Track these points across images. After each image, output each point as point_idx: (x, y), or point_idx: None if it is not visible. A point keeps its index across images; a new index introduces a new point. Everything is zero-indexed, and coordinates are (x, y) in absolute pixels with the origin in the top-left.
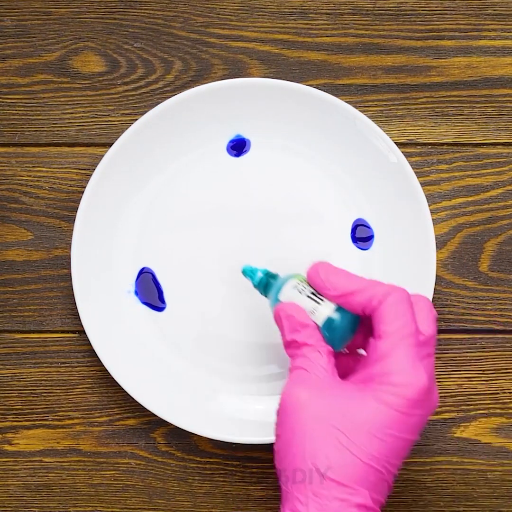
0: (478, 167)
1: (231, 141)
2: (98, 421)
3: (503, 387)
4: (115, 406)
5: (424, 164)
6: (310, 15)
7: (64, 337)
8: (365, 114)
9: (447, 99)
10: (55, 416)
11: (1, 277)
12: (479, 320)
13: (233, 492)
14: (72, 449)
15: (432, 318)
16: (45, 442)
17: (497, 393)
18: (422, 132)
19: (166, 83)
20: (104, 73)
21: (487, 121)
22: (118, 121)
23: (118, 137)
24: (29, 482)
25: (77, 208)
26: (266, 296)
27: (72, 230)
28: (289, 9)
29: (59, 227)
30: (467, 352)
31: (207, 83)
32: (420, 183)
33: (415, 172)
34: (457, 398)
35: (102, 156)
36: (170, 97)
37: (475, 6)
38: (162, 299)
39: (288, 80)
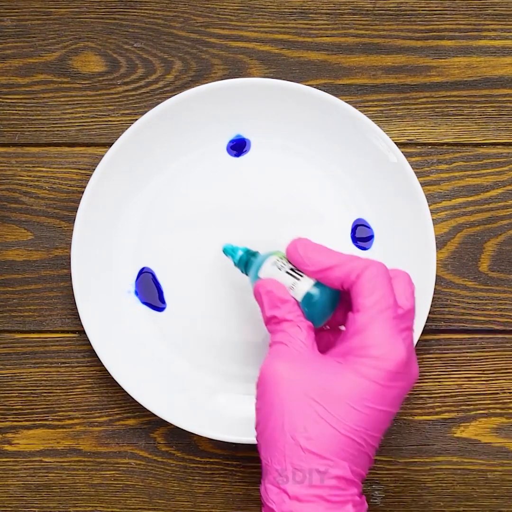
0: (478, 167)
1: (231, 141)
2: (98, 421)
3: (503, 387)
4: (115, 406)
5: (424, 164)
6: (310, 15)
7: (64, 337)
8: (365, 114)
9: (447, 99)
10: (55, 416)
11: (1, 277)
12: (479, 320)
13: (233, 492)
14: (72, 449)
15: (410, 291)
16: (45, 442)
17: (497, 393)
18: (422, 132)
19: (166, 83)
20: (104, 73)
21: (487, 121)
22: (118, 121)
23: (118, 137)
24: (29, 482)
25: (77, 208)
26: (246, 274)
27: (72, 230)
28: (289, 9)
29: (59, 227)
30: (467, 352)
31: (207, 83)
32: (420, 183)
33: (415, 172)
34: (457, 398)
35: (102, 156)
36: (170, 97)
37: (475, 6)
38: (162, 299)
39: (288, 80)
